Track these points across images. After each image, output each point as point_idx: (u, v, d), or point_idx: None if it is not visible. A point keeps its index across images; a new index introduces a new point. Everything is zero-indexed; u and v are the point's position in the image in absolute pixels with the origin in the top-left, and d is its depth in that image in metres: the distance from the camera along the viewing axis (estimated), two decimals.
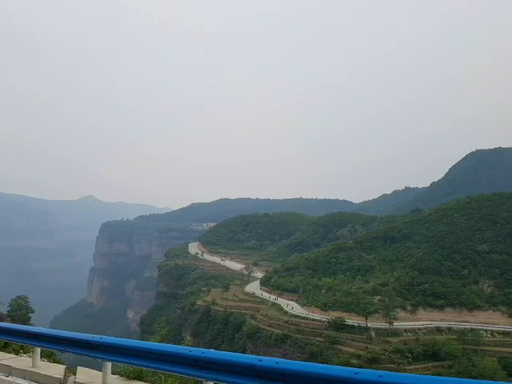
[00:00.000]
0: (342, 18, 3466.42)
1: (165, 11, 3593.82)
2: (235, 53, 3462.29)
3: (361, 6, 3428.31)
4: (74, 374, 16.28)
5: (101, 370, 14.96)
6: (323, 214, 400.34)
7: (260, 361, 10.40)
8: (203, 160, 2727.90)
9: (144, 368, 14.79)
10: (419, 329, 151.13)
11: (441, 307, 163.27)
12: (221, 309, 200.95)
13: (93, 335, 15.15)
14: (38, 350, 17.64)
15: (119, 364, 14.96)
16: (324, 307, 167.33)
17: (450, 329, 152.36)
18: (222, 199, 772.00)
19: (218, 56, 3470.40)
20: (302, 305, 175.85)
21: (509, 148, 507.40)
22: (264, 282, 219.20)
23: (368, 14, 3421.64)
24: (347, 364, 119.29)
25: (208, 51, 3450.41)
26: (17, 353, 22.91)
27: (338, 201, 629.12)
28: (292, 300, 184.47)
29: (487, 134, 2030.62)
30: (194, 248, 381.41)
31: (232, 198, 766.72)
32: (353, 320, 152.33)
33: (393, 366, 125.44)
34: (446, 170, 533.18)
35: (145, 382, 15.38)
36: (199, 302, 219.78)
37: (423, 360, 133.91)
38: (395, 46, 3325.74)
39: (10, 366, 17.64)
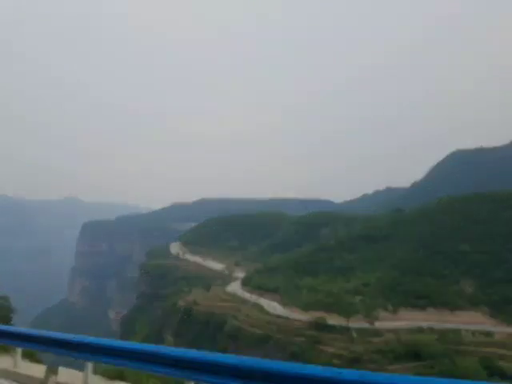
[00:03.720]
0: (335, 18, 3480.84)
1: (150, 11, 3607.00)
2: (223, 50, 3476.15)
3: (358, 6, 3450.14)
4: (56, 374, 16.36)
5: (82, 370, 15.04)
6: (304, 213, 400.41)
7: (242, 361, 10.54)
8: (184, 159, 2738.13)
9: (125, 368, 15.00)
10: (400, 329, 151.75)
11: (422, 307, 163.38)
12: (202, 309, 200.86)
13: (74, 335, 15.23)
14: (19, 350, 17.69)
15: (101, 364, 15.02)
16: (305, 307, 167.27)
17: (431, 329, 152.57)
18: (203, 199, 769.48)
19: (207, 53, 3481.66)
20: (284, 305, 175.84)
21: (490, 148, 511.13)
22: (245, 282, 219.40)
23: (365, 13, 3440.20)
24: (329, 364, 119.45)
25: (197, 50, 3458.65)
26: None
27: (318, 200, 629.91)
28: (273, 300, 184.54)
29: (469, 134, 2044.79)
30: (175, 248, 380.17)
31: (214, 197, 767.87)
32: (334, 320, 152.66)
33: (374, 365, 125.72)
34: (427, 170, 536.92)
35: (126, 382, 15.58)
36: (180, 302, 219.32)
37: (404, 360, 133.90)
38: (381, 47, 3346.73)
39: None
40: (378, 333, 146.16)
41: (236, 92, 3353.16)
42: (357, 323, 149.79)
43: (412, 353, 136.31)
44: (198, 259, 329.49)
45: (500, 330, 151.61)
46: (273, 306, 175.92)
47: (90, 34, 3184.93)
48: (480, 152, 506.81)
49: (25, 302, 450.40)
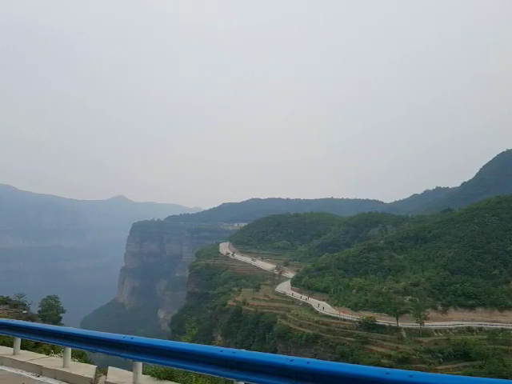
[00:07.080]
0: (368, 17, 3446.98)
1: (190, 11, 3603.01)
2: (262, 53, 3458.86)
3: (386, 6, 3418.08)
4: (105, 374, 16.90)
5: (131, 370, 15.48)
6: (354, 213, 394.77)
7: (291, 361, 10.69)
8: (233, 160, 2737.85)
9: (175, 368, 15.23)
10: (450, 329, 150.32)
11: (472, 307, 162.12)
12: (251, 309, 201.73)
13: (123, 335, 15.68)
14: (69, 350, 18.27)
15: (150, 364, 15.48)
16: (355, 307, 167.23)
17: (480, 329, 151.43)
18: (252, 199, 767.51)
19: (246, 56, 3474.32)
20: (333, 305, 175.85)
21: None
22: (295, 282, 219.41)
23: (393, 13, 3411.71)
24: (378, 364, 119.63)
25: (235, 51, 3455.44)
26: (47, 353, 23.78)
27: (368, 201, 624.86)
28: (323, 300, 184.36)
29: None
30: (224, 248, 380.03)
31: (262, 197, 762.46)
32: (383, 320, 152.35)
33: (424, 366, 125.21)
34: (477, 170, 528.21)
35: (175, 382, 15.79)
36: (230, 302, 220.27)
37: (454, 360, 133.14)
38: (422, 46, 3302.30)
39: (41, 366, 18.30)
40: (427, 333, 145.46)
41: (279, 93, 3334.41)
42: (406, 323, 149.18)
43: (461, 353, 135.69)
44: (247, 259, 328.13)
45: None
46: (322, 306, 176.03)
47: (129, 28, 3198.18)
48: None
49: (74, 302, 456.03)
